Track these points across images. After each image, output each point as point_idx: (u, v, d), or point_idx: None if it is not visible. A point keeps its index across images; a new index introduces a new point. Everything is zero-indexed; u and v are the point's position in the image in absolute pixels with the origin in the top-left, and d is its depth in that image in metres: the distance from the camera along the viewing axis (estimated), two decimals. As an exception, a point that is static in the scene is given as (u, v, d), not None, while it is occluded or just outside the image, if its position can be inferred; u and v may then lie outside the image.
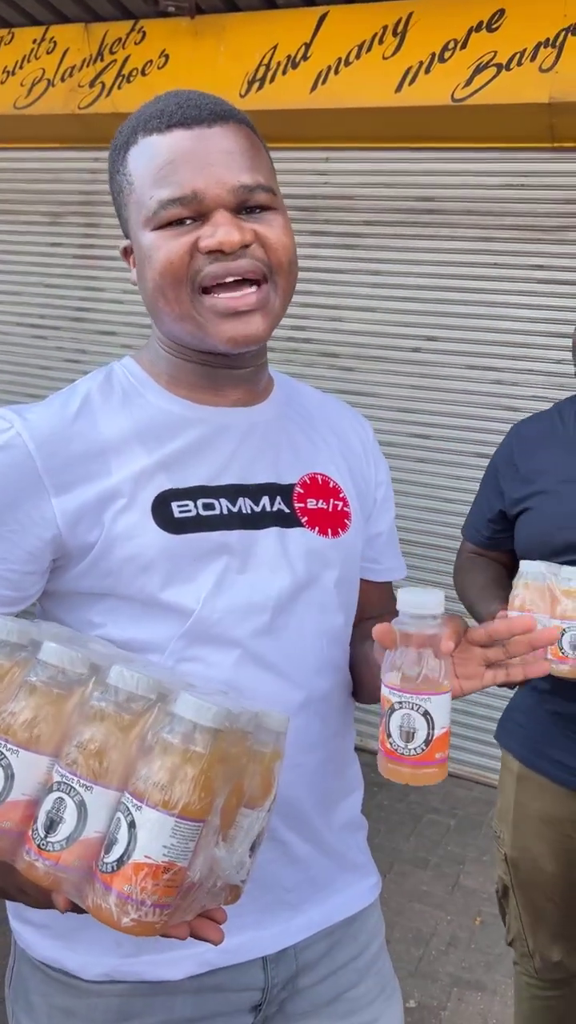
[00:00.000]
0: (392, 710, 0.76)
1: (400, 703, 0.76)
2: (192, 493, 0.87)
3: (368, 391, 3.57)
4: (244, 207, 0.83)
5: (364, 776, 1.06)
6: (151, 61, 3.54)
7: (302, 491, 0.94)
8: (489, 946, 2.49)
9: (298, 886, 0.93)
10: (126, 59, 3.59)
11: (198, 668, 0.85)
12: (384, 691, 0.77)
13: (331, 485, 0.97)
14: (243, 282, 0.83)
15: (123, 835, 0.63)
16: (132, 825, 0.63)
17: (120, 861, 0.63)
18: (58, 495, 0.83)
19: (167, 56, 3.51)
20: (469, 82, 3.02)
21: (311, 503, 0.94)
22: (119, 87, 3.61)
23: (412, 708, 0.75)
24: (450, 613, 0.81)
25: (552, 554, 1.38)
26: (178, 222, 0.82)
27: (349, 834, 1.01)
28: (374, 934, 1.02)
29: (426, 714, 0.75)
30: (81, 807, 0.65)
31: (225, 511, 0.88)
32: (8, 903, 0.93)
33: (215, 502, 0.88)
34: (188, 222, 0.83)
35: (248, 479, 0.91)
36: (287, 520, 0.92)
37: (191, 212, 0.82)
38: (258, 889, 0.86)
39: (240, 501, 0.89)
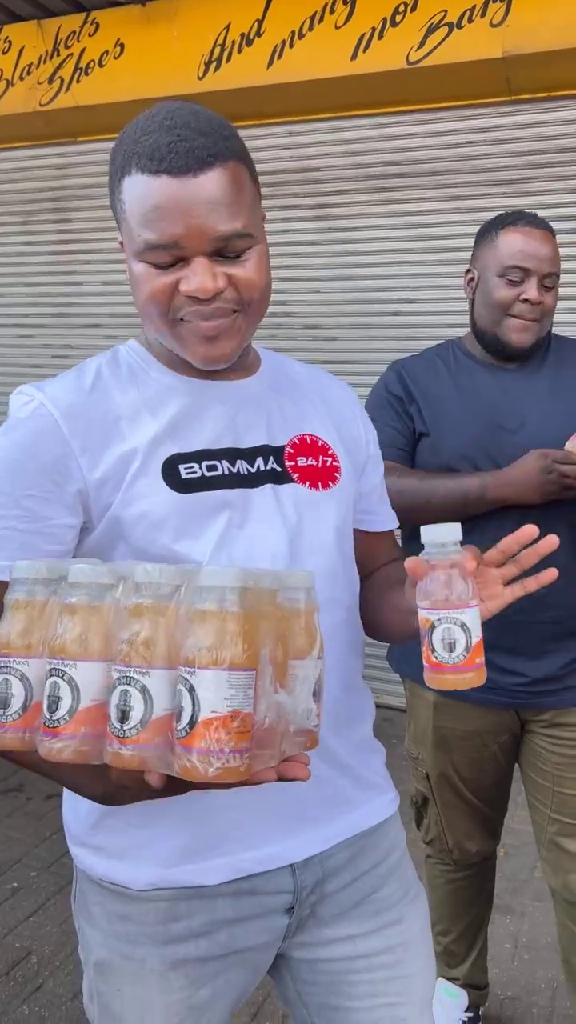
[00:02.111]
0: (432, 628, 0.87)
1: (440, 620, 0.87)
2: (197, 456, 0.98)
3: (352, 359, 3.63)
4: (221, 254, 0.92)
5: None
6: (107, 52, 3.57)
7: (292, 451, 1.05)
8: (514, 873, 2.61)
9: (319, 803, 1.03)
10: (82, 52, 3.61)
11: None
12: (423, 614, 0.88)
13: (319, 444, 1.08)
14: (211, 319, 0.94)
15: (187, 701, 0.70)
16: (192, 690, 0.70)
17: (191, 723, 0.70)
18: (83, 456, 0.93)
19: (122, 45, 3.54)
20: (422, 44, 3.05)
21: (301, 461, 1.05)
22: (78, 80, 3.64)
23: (451, 622, 0.87)
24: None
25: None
26: (162, 263, 0.91)
27: (365, 755, 1.10)
28: (395, 843, 1.12)
29: (463, 625, 0.87)
30: (144, 691, 0.72)
31: (226, 471, 0.98)
32: (68, 833, 1.07)
33: (217, 463, 0.98)
34: (168, 263, 0.92)
35: (244, 443, 1.01)
36: (280, 477, 1.02)
37: (171, 257, 0.91)
38: (283, 806, 0.99)
39: (238, 463, 1.00)
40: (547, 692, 1.60)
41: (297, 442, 1.06)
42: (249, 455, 1.01)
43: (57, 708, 0.74)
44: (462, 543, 0.90)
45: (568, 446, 1.50)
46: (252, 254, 0.94)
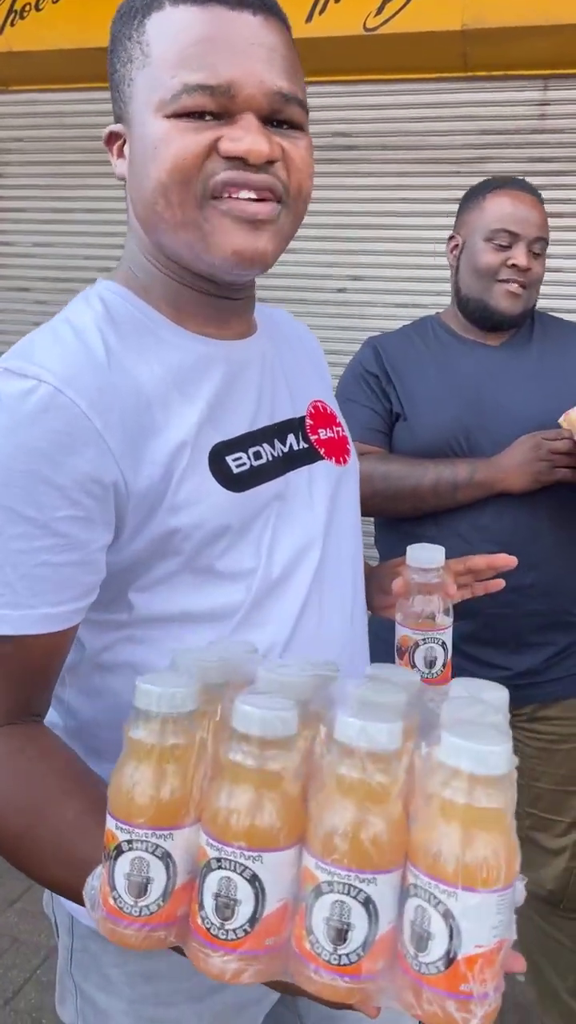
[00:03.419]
0: (416, 646, 0.91)
1: (424, 639, 0.92)
2: (242, 443, 0.81)
3: (296, 335, 3.54)
4: (274, 119, 0.75)
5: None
6: (44, -5, 3.34)
7: (312, 422, 0.92)
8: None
9: None
10: (16, -6, 3.38)
11: (266, 630, 0.81)
12: (405, 632, 0.91)
13: (329, 411, 0.96)
14: (256, 199, 0.75)
15: (439, 928, 0.52)
16: (448, 915, 0.51)
17: (447, 960, 0.52)
18: (124, 458, 0.72)
19: (61, -11, 3.32)
20: (380, 10, 2.95)
21: (322, 433, 0.92)
22: (12, 24, 3.40)
23: (433, 642, 0.92)
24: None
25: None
26: (198, 115, 0.72)
27: None
28: None
29: (443, 644, 0.92)
30: (368, 905, 0.53)
31: (270, 457, 0.83)
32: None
33: (260, 449, 0.83)
34: (208, 117, 0.72)
35: (275, 417, 0.87)
36: (312, 456, 0.90)
37: (217, 107, 0.71)
38: None
39: (276, 443, 0.85)
40: (530, 685, 1.56)
41: (313, 411, 0.93)
42: (280, 432, 0.87)
43: (232, 915, 0.54)
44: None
45: (561, 421, 1.45)
46: (304, 137, 0.77)
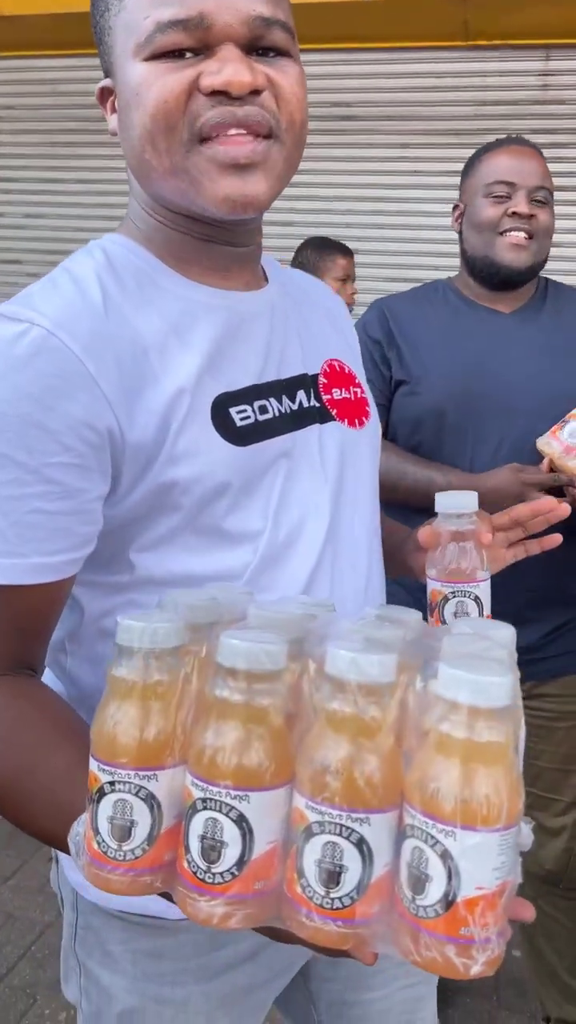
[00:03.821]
0: (445, 600, 0.83)
1: (453, 593, 0.84)
2: (247, 395, 0.77)
3: (292, 310, 3.50)
4: (257, 46, 0.71)
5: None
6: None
7: (326, 381, 0.88)
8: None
9: None
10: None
11: (274, 596, 0.78)
12: (435, 586, 0.84)
13: (347, 371, 0.91)
14: (246, 135, 0.71)
15: (437, 869, 0.48)
16: (446, 855, 0.48)
17: (447, 902, 0.48)
18: (119, 405, 0.69)
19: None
20: (381, -25, 2.89)
21: (336, 393, 0.88)
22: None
23: (464, 596, 0.83)
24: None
25: (437, 430, 1.49)
26: (177, 54, 0.69)
27: None
28: None
29: (476, 599, 0.84)
30: (362, 846, 0.50)
31: (277, 412, 0.80)
32: (64, 855, 0.85)
33: (267, 403, 0.79)
34: (188, 55, 0.69)
35: (284, 372, 0.83)
36: (323, 415, 0.86)
37: (194, 41, 0.69)
38: None
39: (284, 400, 0.82)
40: (528, 663, 1.53)
41: (328, 369, 0.88)
42: (289, 388, 0.83)
43: (219, 858, 0.52)
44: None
45: (540, 445, 1.41)
46: (293, 64, 0.73)
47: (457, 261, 1.64)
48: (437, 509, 0.86)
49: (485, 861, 0.48)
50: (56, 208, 3.70)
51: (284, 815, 0.53)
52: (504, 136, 1.56)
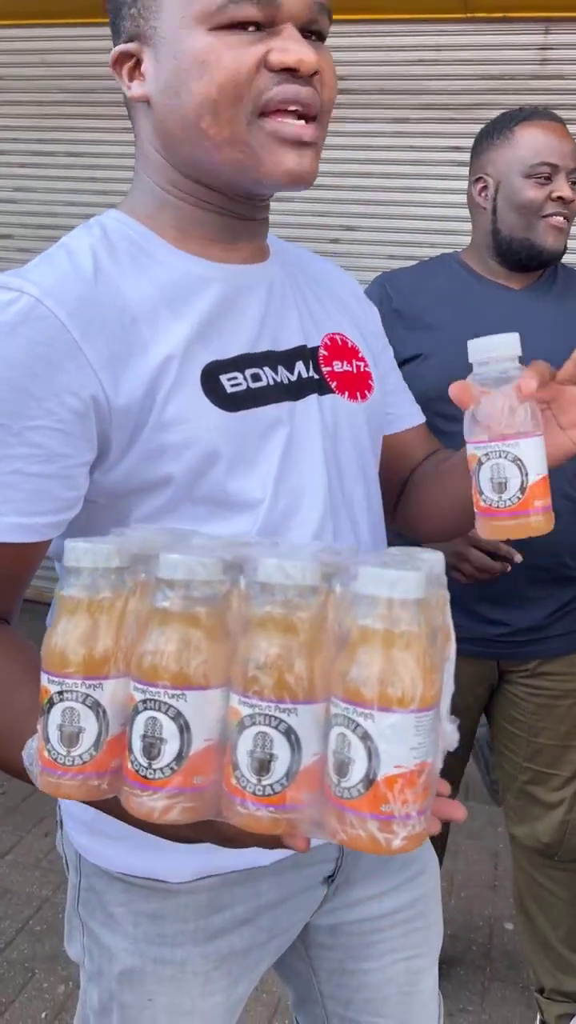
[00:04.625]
0: (480, 464, 0.72)
1: (487, 455, 0.72)
2: (238, 363, 0.79)
3: (287, 287, 3.47)
4: (310, 30, 0.74)
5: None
6: None
7: (327, 353, 0.88)
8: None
9: None
10: None
11: None
12: (469, 449, 0.73)
13: (349, 345, 0.92)
14: (297, 114, 0.74)
15: (358, 751, 0.53)
16: (366, 737, 0.52)
17: (367, 781, 0.53)
18: (104, 371, 0.71)
19: None
20: (379, -55, 2.84)
21: (337, 366, 0.88)
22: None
23: (500, 456, 0.71)
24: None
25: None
26: (241, 27, 0.71)
27: None
28: None
29: (516, 460, 0.71)
30: (290, 735, 0.54)
31: (271, 381, 0.81)
32: (68, 818, 0.91)
33: (260, 371, 0.80)
34: (251, 28, 0.71)
35: (281, 344, 0.84)
36: (321, 387, 0.86)
37: (263, 17, 0.70)
38: None
39: (280, 370, 0.82)
40: (532, 642, 1.55)
41: (329, 343, 0.89)
42: (287, 359, 0.84)
43: (159, 754, 0.56)
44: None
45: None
46: (328, 54, 0.77)
47: (458, 237, 1.62)
48: (471, 358, 0.76)
49: (402, 741, 0.53)
50: (46, 182, 3.65)
51: (221, 716, 0.57)
52: (530, 107, 1.53)
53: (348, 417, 0.88)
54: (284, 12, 0.71)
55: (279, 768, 0.54)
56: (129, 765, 0.58)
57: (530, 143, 1.46)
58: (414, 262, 1.71)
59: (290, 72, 0.71)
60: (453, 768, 1.75)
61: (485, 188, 1.55)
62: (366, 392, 0.91)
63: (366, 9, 3.07)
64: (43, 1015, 1.88)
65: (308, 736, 0.55)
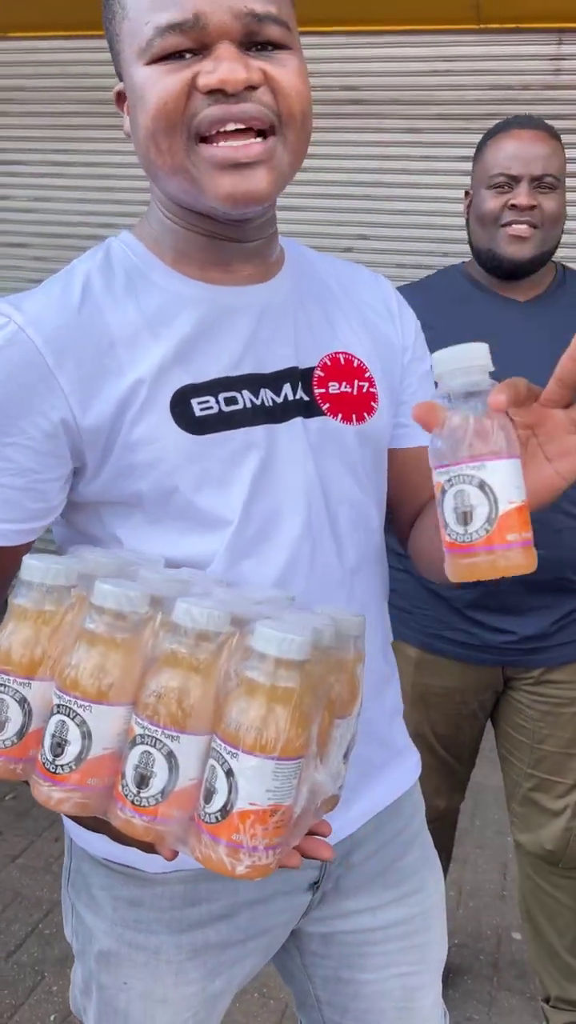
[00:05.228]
0: (443, 492, 0.62)
1: (450, 480, 0.62)
2: (212, 387, 0.80)
3: (300, 295, 3.48)
4: (253, 42, 0.73)
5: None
6: None
7: (323, 374, 0.88)
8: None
9: (352, 782, 0.90)
10: None
11: (246, 585, 0.82)
12: (434, 476, 0.64)
13: (355, 364, 0.90)
14: (247, 131, 0.73)
15: (222, 784, 0.61)
16: (230, 773, 0.60)
17: (224, 811, 0.61)
18: (72, 394, 0.76)
19: None
20: (392, -43, 2.86)
21: (333, 387, 0.88)
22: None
23: (464, 481, 0.61)
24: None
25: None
26: (177, 55, 0.72)
27: (394, 718, 1.01)
28: (416, 807, 1.05)
29: (482, 485, 0.60)
30: (170, 758, 0.62)
31: (248, 404, 0.82)
32: None
33: (237, 395, 0.81)
34: (188, 56, 0.72)
35: (267, 366, 0.84)
36: (309, 409, 0.86)
37: (192, 42, 0.71)
38: None
39: (262, 392, 0.83)
40: (538, 650, 1.55)
41: (328, 363, 0.88)
42: (274, 381, 0.84)
43: (62, 753, 0.65)
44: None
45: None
46: (292, 57, 0.75)
47: (469, 256, 1.63)
48: (435, 371, 0.66)
49: (260, 782, 0.60)
50: (63, 192, 3.69)
51: (122, 730, 0.65)
52: (512, 117, 1.54)
53: (338, 439, 0.87)
54: (213, 32, 0.71)
55: (156, 785, 0.63)
56: (39, 757, 0.66)
57: (494, 154, 1.47)
58: (426, 269, 1.73)
59: (220, 92, 0.71)
60: (459, 775, 1.76)
61: (469, 202, 1.58)
62: (364, 414, 0.90)
63: (379, 20, 3.10)
64: (52, 1018, 1.89)
65: (187, 762, 0.63)
